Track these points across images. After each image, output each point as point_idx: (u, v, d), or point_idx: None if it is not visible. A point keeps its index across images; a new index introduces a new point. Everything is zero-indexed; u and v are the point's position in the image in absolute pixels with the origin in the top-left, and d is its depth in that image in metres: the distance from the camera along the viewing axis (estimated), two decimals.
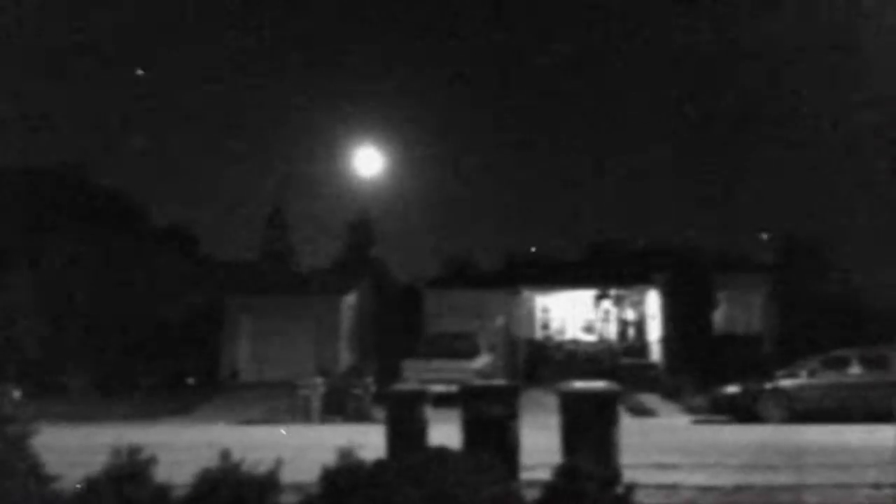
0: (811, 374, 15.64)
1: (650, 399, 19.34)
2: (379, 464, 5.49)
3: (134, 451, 6.08)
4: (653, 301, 24.66)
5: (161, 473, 6.21)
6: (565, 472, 5.77)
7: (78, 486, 5.62)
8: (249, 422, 17.05)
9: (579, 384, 9.33)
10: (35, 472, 5.65)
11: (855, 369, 15.42)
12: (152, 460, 6.05)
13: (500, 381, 13.04)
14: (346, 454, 5.77)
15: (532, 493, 6.23)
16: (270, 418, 17.33)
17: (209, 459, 6.17)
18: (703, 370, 19.64)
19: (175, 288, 24.56)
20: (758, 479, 8.86)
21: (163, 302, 24.11)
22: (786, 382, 15.70)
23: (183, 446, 10.75)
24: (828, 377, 15.43)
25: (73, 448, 10.44)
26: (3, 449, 5.90)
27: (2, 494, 5.20)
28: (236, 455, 6.13)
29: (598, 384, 9.27)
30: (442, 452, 5.75)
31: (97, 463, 6.23)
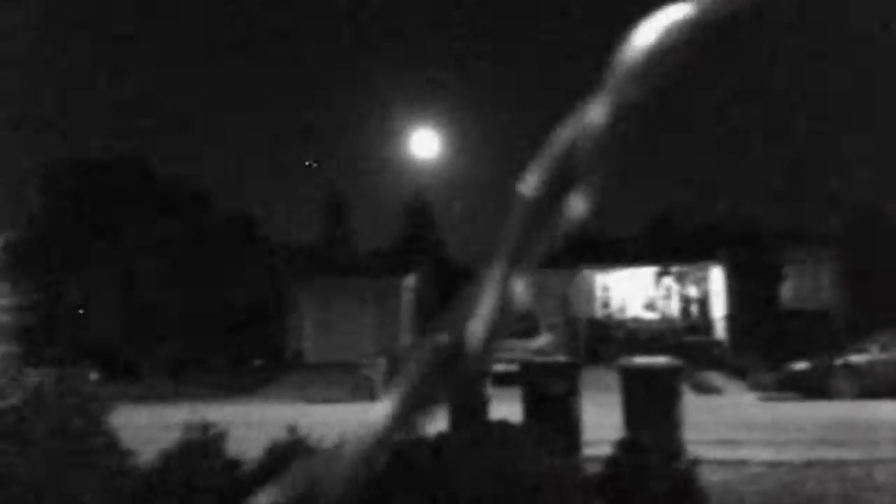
0: (882, 348, 15.15)
1: (715, 377, 19.03)
2: (441, 436, 5.57)
3: (206, 426, 6.31)
4: (716, 277, 24.17)
5: (231, 449, 6.44)
6: (627, 446, 5.76)
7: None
8: (314, 401, 17.44)
9: (640, 360, 9.27)
10: (113, 448, 5.91)
11: None
12: (223, 435, 6.27)
13: (560, 358, 13.02)
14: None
15: (594, 468, 6.24)
16: (334, 397, 17.69)
17: (276, 436, 6.37)
18: (770, 347, 19.20)
19: (240, 272, 25.18)
20: (828, 454, 8.67)
21: (229, 286, 24.75)
22: (856, 358, 15.25)
23: (250, 424, 11.08)
24: None
25: (145, 426, 10.86)
26: (83, 425, 6.19)
27: (83, 468, 5.47)
28: (302, 431, 6.31)
29: (660, 359, 9.19)
30: (503, 425, 5.81)
31: (169, 440, 6.49)
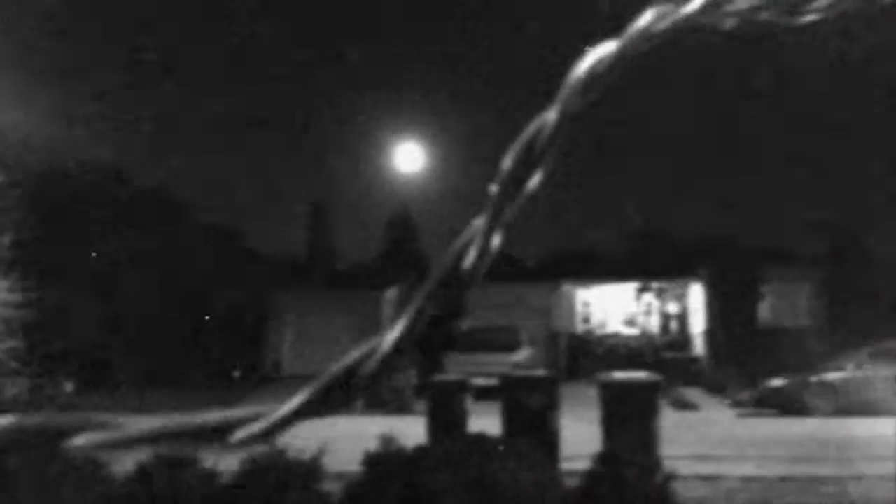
0: (858, 366, 15.35)
1: (693, 393, 19.16)
2: (420, 450, 5.59)
3: None
4: (696, 294, 24.38)
5: (207, 461, 6.41)
6: (605, 460, 5.80)
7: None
8: None
9: (620, 374, 9.33)
10: (89, 458, 5.87)
11: None
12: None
13: (540, 373, 13.07)
14: (388, 441, 5.88)
15: (572, 481, 6.27)
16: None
17: (254, 448, 6.35)
18: (748, 364, 19.38)
19: (220, 284, 25.04)
20: (802, 470, 8.76)
21: (208, 298, 24.60)
22: (832, 375, 15.43)
23: None
24: (875, 370, 15.13)
25: None
26: (60, 436, 6.14)
27: (58, 477, 5.43)
28: (280, 444, 6.30)
29: (639, 374, 9.26)
30: (482, 439, 5.83)
31: (146, 451, 6.45)
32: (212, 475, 5.90)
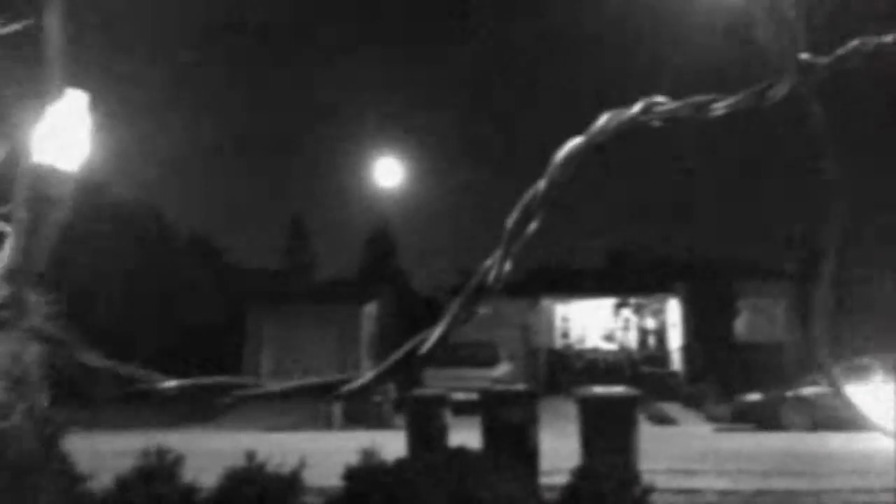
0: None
1: (671, 408, 19.28)
2: (400, 463, 5.60)
3: (162, 452, 6.25)
4: (673, 309, 24.58)
5: (187, 476, 6.37)
6: (583, 473, 5.84)
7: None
8: (272, 429, 17.23)
9: (598, 389, 9.40)
10: (67, 472, 5.81)
11: (878, 377, 15.30)
12: (180, 460, 6.21)
13: (519, 387, 13.11)
14: (368, 454, 5.89)
15: (551, 495, 6.30)
16: (292, 425, 17.50)
17: (233, 463, 6.33)
18: (725, 379, 19.55)
19: (199, 298, 24.84)
20: (779, 484, 8.86)
21: (187, 312, 24.39)
22: (808, 390, 15.61)
23: (206, 451, 10.92)
24: (850, 385, 15.33)
25: (99, 452, 10.61)
26: (37, 449, 6.07)
27: (36, 492, 5.36)
28: (259, 458, 6.27)
29: (617, 389, 9.33)
30: (462, 452, 5.85)
31: (124, 466, 6.41)
32: (191, 489, 5.87)
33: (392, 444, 8.75)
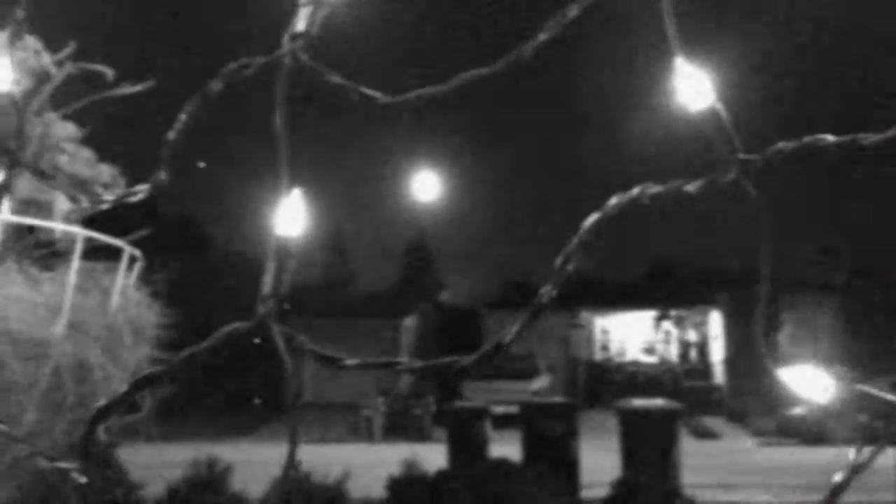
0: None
1: (714, 422, 19.02)
2: (442, 474, 5.68)
3: (212, 462, 6.43)
4: (715, 322, 24.26)
5: (235, 486, 6.55)
6: (624, 486, 5.85)
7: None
8: (314, 441, 17.42)
9: (638, 401, 9.37)
10: (122, 481, 6.01)
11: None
12: (228, 470, 6.38)
13: (559, 399, 13.10)
14: (410, 465, 5.98)
15: None
16: (334, 437, 17.68)
17: (277, 474, 6.47)
18: (769, 392, 19.23)
19: (237, 312, 25.20)
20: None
21: (229, 325, 24.75)
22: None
23: (252, 462, 11.12)
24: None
25: (147, 463, 10.91)
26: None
27: (94, 499, 5.56)
28: (304, 468, 6.41)
29: (658, 402, 9.29)
30: (503, 464, 5.91)
31: (173, 475, 6.60)
32: (239, 498, 6.02)
33: (433, 457, 8.83)
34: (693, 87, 0.90)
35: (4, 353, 1.45)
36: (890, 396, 1.00)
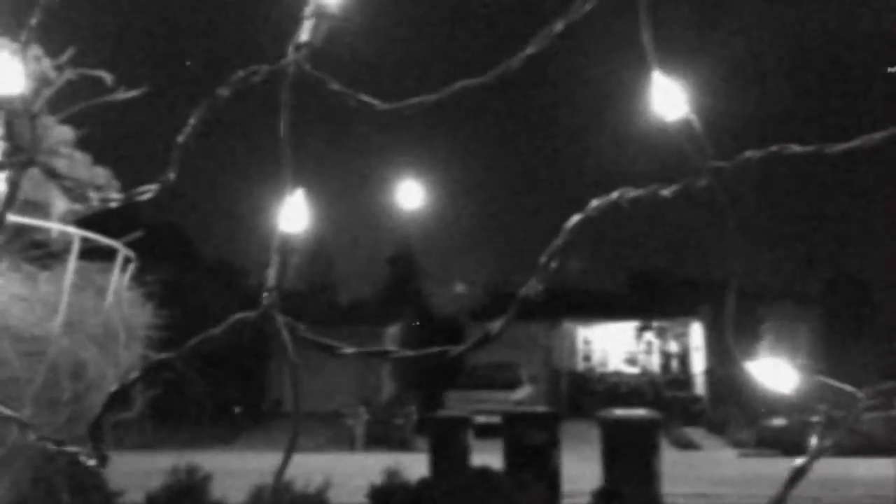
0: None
1: (695, 432, 19.14)
2: (424, 482, 5.70)
3: (192, 470, 6.40)
4: (696, 333, 24.45)
5: (215, 494, 6.52)
6: (604, 495, 5.90)
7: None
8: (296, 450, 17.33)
9: (620, 411, 9.43)
10: (100, 489, 5.97)
11: None
12: (208, 478, 6.36)
13: (542, 408, 13.15)
14: (391, 474, 5.99)
15: None
16: (315, 447, 17.60)
17: (259, 482, 6.45)
18: (749, 403, 19.38)
19: (222, 319, 25.06)
20: None
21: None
22: (833, 415, 15.47)
23: (232, 471, 11.06)
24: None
25: (126, 471, 10.82)
26: (57, 470, 6.25)
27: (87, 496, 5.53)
28: (286, 477, 6.41)
29: (639, 412, 9.36)
30: (485, 473, 5.94)
31: (153, 484, 6.57)
32: None
33: (414, 466, 8.83)
34: (668, 99, 0.96)
35: (4, 350, 1.47)
36: (847, 387, 1.05)
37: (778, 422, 15.90)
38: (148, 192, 1.18)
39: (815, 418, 15.75)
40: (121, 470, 9.83)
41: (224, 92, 1.12)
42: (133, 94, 2.42)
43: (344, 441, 17.25)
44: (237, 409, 23.82)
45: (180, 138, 1.15)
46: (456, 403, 18.28)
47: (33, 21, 1.06)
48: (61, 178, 1.29)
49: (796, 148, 0.97)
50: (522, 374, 21.25)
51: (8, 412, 1.06)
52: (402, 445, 16.83)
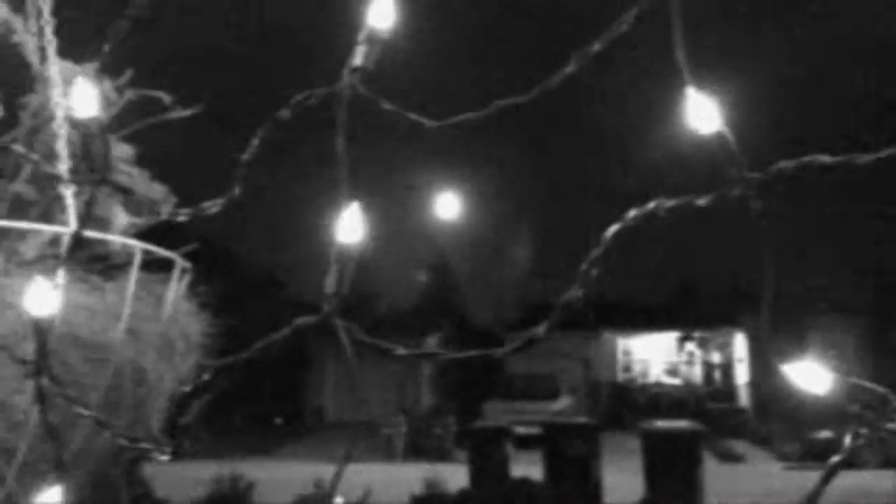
0: None
1: (739, 445, 18.80)
2: (464, 493, 5.72)
3: (235, 479, 6.52)
4: (740, 344, 24.06)
5: (257, 502, 6.63)
6: None
7: None
8: (334, 459, 17.45)
9: (662, 423, 9.35)
10: (147, 495, 6.12)
11: None
12: (251, 487, 6.47)
13: (582, 419, 13.07)
14: (431, 484, 6.03)
15: None
16: (355, 456, 17.69)
17: (301, 491, 6.55)
18: (795, 416, 19.00)
19: (263, 330, 25.39)
20: None
21: (252, 344, 24.95)
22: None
23: (274, 480, 11.20)
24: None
25: (170, 479, 11.01)
26: (118, 474, 6.40)
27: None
28: (325, 487, 6.49)
29: (682, 423, 9.27)
30: (525, 483, 5.94)
31: (197, 492, 6.70)
32: None
33: (454, 477, 8.85)
34: (702, 113, 1.00)
35: (71, 356, 1.56)
36: (879, 387, 1.06)
37: (824, 434, 15.55)
38: (214, 206, 1.25)
39: (860, 430, 15.27)
40: (165, 479, 10.03)
41: (285, 114, 1.19)
42: (186, 113, 2.52)
43: (383, 451, 17.32)
44: (278, 420, 24.07)
45: (245, 156, 1.22)
46: (495, 414, 18.24)
47: (106, 48, 1.14)
48: (130, 194, 1.37)
49: (826, 159, 1.00)
50: (562, 384, 21.12)
51: (85, 411, 1.13)
52: (442, 456, 16.84)
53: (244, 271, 28.55)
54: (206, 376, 1.24)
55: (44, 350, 0.99)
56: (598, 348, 24.77)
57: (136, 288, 1.78)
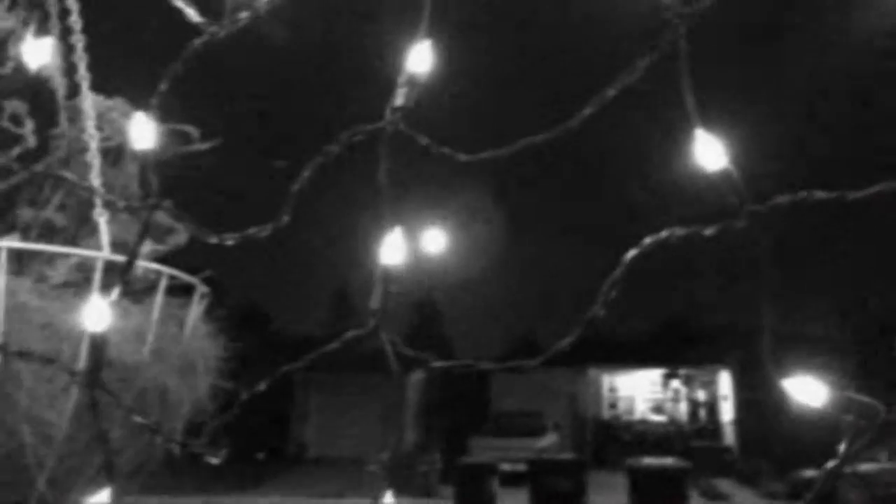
0: (892, 456, 15.09)
1: (724, 484, 18.76)
2: None
3: None
4: (725, 381, 24.15)
5: None
6: None
7: None
8: (316, 495, 17.30)
9: (648, 460, 9.38)
10: None
11: None
12: None
13: (568, 455, 13.05)
14: None
15: None
16: (337, 493, 17.54)
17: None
18: (780, 454, 19.02)
19: (246, 365, 25.26)
20: None
21: (233, 379, 24.79)
22: (865, 466, 15.14)
23: None
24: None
25: None
26: None
27: None
28: None
29: (667, 460, 9.30)
30: None
31: None
32: None
33: None
34: (709, 153, 1.09)
35: (103, 377, 1.61)
36: (872, 400, 1.14)
37: (810, 473, 15.58)
38: (264, 230, 1.32)
39: (846, 469, 15.30)
40: None
41: (333, 149, 1.28)
42: (208, 146, 2.61)
43: (369, 487, 17.16)
44: (260, 455, 23.80)
45: (295, 186, 1.31)
46: (480, 450, 18.16)
47: (163, 87, 1.22)
48: (183, 219, 1.45)
49: (821, 194, 1.10)
50: (547, 421, 21.08)
51: (140, 419, 1.18)
52: (427, 492, 16.70)
53: (230, 304, 28.43)
54: (244, 396, 1.30)
55: (99, 364, 1.04)
56: (583, 385, 24.77)
57: (161, 311, 1.85)
